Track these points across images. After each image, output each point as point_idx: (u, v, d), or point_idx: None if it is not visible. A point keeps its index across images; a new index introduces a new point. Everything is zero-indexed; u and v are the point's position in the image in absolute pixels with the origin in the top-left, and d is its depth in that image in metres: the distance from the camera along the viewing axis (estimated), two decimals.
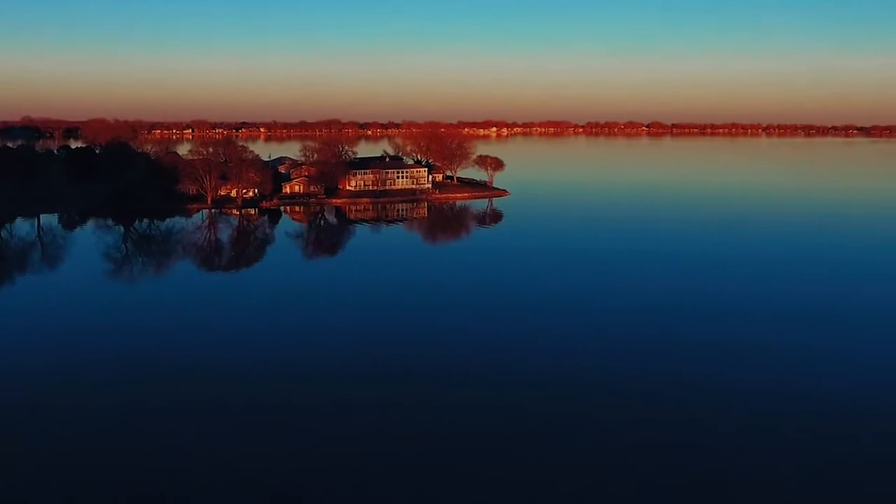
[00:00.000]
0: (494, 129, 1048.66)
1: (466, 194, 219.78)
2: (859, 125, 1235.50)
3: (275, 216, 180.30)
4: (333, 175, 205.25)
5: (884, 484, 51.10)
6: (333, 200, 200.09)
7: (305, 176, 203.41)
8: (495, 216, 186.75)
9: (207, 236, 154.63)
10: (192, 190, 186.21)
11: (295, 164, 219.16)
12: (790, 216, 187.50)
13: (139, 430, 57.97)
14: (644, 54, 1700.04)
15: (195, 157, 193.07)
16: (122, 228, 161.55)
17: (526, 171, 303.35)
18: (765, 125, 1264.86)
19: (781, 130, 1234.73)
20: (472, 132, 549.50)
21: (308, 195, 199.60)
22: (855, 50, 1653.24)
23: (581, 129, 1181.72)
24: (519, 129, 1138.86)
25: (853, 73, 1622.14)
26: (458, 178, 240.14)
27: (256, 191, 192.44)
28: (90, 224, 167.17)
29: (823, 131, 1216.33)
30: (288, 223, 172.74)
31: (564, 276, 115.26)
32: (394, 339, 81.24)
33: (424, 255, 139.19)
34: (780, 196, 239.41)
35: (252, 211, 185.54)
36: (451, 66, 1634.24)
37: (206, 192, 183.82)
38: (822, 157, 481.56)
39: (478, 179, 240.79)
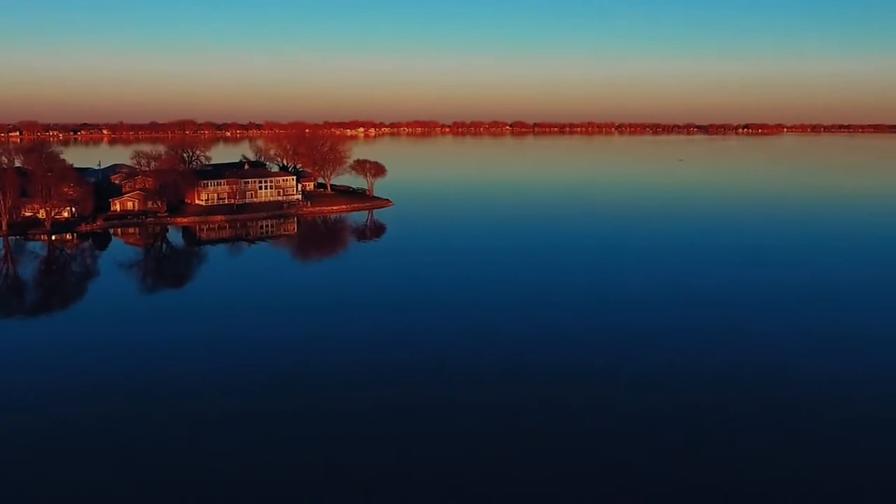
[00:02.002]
0: (362, 129, 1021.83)
1: (343, 206, 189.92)
2: (699, 124, 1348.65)
3: (102, 241, 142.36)
4: (178, 187, 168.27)
5: None
6: (179, 219, 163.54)
7: (140, 189, 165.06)
8: (377, 229, 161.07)
9: (2, 271, 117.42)
10: None
11: (132, 174, 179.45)
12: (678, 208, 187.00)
13: None
14: (506, 55, 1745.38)
15: None
16: None
17: (406, 175, 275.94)
18: (617, 124, 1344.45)
19: (632, 129, 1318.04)
20: (339, 133, 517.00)
21: (145, 213, 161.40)
22: (693, 54, 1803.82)
23: (448, 129, 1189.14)
24: (387, 130, 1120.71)
25: (693, 75, 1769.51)
26: (332, 186, 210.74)
27: (74, 210, 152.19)
28: None
29: (668, 129, 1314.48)
30: (118, 250, 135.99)
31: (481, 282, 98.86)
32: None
33: (296, 276, 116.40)
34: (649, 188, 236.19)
35: (69, 236, 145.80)
36: (315, 63, 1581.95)
37: None
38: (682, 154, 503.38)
39: (355, 188, 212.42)
